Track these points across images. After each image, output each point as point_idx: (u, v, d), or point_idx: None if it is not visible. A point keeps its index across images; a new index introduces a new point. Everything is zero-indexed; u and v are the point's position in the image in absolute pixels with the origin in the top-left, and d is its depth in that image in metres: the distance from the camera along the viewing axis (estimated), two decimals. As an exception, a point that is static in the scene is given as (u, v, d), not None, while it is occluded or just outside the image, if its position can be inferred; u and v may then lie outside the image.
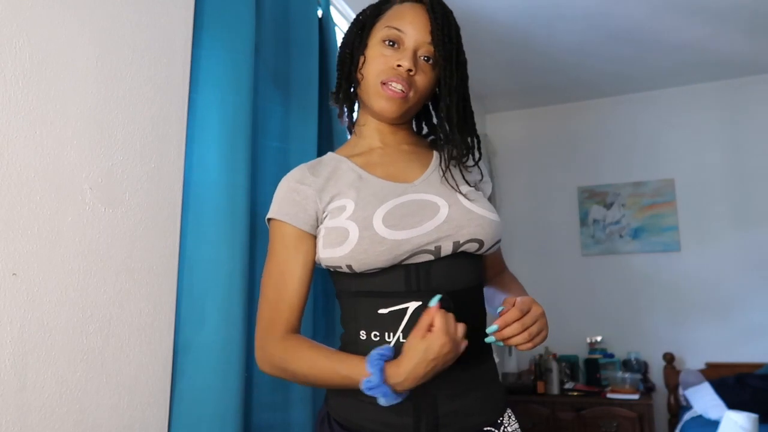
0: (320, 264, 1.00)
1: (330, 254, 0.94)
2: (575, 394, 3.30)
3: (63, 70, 0.96)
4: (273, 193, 1.41)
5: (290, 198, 1.00)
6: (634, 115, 3.85)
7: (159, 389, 1.12)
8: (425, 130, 1.17)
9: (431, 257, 0.93)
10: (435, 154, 1.08)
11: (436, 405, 0.91)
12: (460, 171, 1.04)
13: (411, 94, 1.00)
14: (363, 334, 0.94)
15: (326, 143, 1.66)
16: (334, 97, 1.10)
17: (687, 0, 2.68)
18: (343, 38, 1.10)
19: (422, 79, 1.01)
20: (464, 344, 0.85)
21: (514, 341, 0.87)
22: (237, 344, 1.20)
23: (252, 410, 1.32)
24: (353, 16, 2.06)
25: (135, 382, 1.06)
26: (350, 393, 0.90)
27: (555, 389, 3.34)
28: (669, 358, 3.40)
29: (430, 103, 1.13)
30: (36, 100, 0.91)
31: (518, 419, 1.00)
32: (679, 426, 3.01)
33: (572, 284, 3.84)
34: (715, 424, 2.67)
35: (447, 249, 0.93)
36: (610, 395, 3.21)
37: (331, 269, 0.98)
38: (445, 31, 1.00)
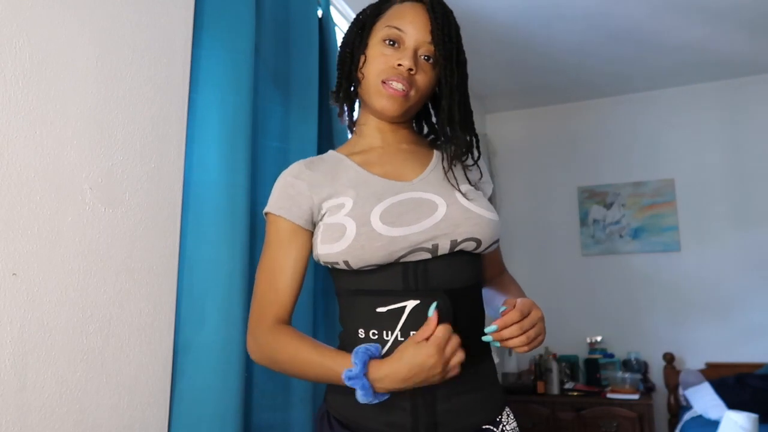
0: (319, 261, 1.00)
1: (327, 250, 0.95)
2: (575, 394, 3.30)
3: (63, 70, 0.96)
4: (273, 193, 1.40)
5: (285, 192, 1.01)
6: (634, 115, 3.85)
7: (159, 389, 1.12)
8: (426, 129, 1.17)
9: (428, 255, 0.93)
10: (435, 153, 1.09)
11: (434, 404, 0.91)
12: (463, 169, 1.05)
13: (412, 93, 1.01)
14: (361, 333, 0.94)
15: (326, 143, 1.66)
16: (335, 96, 1.11)
17: (687, 0, 2.68)
18: (344, 38, 1.10)
19: (423, 78, 1.01)
20: (454, 372, 0.86)
21: (511, 343, 0.88)
22: (237, 344, 1.20)
23: (252, 410, 1.32)
24: (353, 16, 2.06)
25: (135, 382, 1.06)
26: (349, 391, 0.90)
27: (555, 389, 3.34)
28: (669, 358, 3.40)
29: (429, 103, 1.13)
30: (36, 100, 0.91)
31: (517, 418, 1.01)
32: (679, 426, 3.01)
33: (572, 284, 3.84)
34: (715, 424, 2.67)
35: (444, 247, 0.94)
36: (610, 395, 3.21)
37: (330, 266, 0.99)
38: (445, 31, 1.00)
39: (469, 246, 0.95)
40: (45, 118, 0.92)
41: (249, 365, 1.29)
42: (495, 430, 0.96)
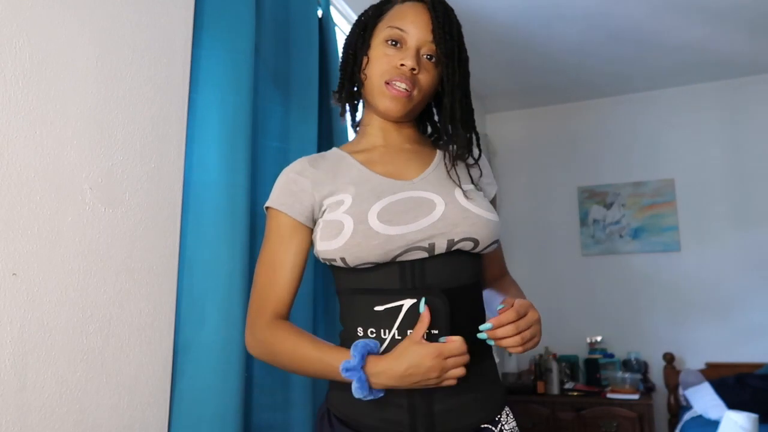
0: (319, 258, 1.00)
1: (326, 246, 0.96)
2: (575, 394, 3.30)
3: (63, 70, 0.96)
4: (273, 193, 1.40)
5: (287, 188, 1.02)
6: (634, 115, 3.85)
7: (159, 389, 1.12)
8: (429, 130, 1.18)
9: (425, 254, 0.94)
10: (438, 152, 1.09)
11: (432, 402, 0.92)
12: (466, 168, 1.05)
13: (415, 92, 1.01)
14: (360, 331, 0.95)
15: (326, 143, 1.66)
16: (337, 96, 1.12)
17: (687, 0, 2.68)
18: (346, 39, 1.11)
19: (425, 78, 1.02)
20: (449, 382, 0.87)
21: (505, 343, 0.88)
22: (237, 344, 1.20)
23: (252, 410, 1.32)
24: (353, 16, 2.07)
25: (135, 382, 1.06)
26: (349, 387, 0.91)
27: (555, 389, 3.34)
28: (669, 358, 3.40)
29: (432, 101, 1.14)
30: (36, 100, 0.91)
31: (517, 418, 1.01)
32: (679, 426, 3.01)
33: (572, 284, 3.84)
34: (715, 424, 2.67)
35: (441, 246, 0.94)
36: (610, 395, 3.21)
37: (328, 263, 0.99)
38: (447, 29, 1.01)
39: (467, 246, 0.95)
40: (45, 118, 0.92)
41: (249, 365, 1.29)
42: (494, 429, 0.96)
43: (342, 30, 2.07)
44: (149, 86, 1.13)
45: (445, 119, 1.04)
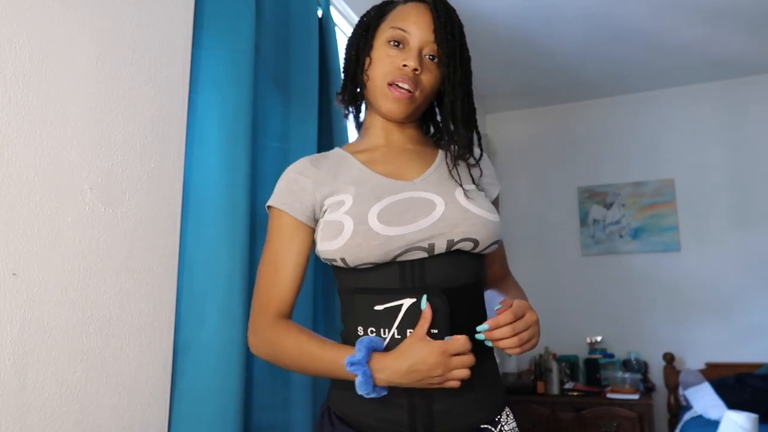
0: (320, 258, 1.01)
1: (326, 247, 0.96)
2: (575, 394, 3.30)
3: (63, 70, 0.96)
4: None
5: (289, 188, 1.03)
6: (634, 115, 3.85)
7: (159, 389, 1.12)
8: (432, 130, 1.18)
9: (425, 254, 0.94)
10: (440, 152, 1.09)
11: (431, 402, 0.92)
12: (467, 168, 1.06)
13: (417, 93, 1.01)
14: (360, 330, 0.95)
15: (326, 143, 1.66)
16: (340, 98, 1.12)
17: (687, 0, 2.68)
18: (348, 40, 1.11)
19: (428, 78, 1.02)
20: (452, 383, 0.88)
21: (502, 344, 0.88)
22: (237, 344, 1.20)
23: (252, 410, 1.32)
24: (353, 16, 2.07)
25: (135, 382, 1.06)
26: (350, 388, 0.92)
27: (555, 389, 3.34)
28: (669, 358, 3.40)
29: (435, 101, 1.14)
30: (36, 100, 0.91)
31: (517, 419, 1.01)
32: (679, 426, 3.01)
33: (572, 284, 3.84)
34: (715, 424, 2.67)
35: (441, 247, 0.94)
36: (610, 395, 3.21)
37: (329, 263, 1.00)
38: (448, 29, 1.01)
39: (467, 246, 0.95)
40: (45, 118, 0.92)
41: (249, 365, 1.29)
42: (493, 430, 0.96)
43: (342, 30, 2.07)
44: (149, 86, 1.13)
45: (446, 119, 1.04)
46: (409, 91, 1.00)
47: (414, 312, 0.91)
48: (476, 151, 1.08)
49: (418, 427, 0.91)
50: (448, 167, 1.03)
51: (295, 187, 1.02)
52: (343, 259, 0.94)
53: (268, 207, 1.05)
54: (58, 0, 0.96)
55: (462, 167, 1.05)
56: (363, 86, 1.07)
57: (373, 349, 0.89)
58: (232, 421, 1.18)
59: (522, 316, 0.89)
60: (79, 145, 0.98)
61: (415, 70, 1.00)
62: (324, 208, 1.00)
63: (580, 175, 3.93)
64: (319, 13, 1.72)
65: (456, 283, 0.95)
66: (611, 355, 3.56)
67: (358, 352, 0.87)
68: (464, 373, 0.87)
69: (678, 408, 3.29)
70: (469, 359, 0.88)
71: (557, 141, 4.03)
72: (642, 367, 3.47)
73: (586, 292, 3.80)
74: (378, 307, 0.94)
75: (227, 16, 1.30)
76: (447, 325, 0.90)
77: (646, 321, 3.65)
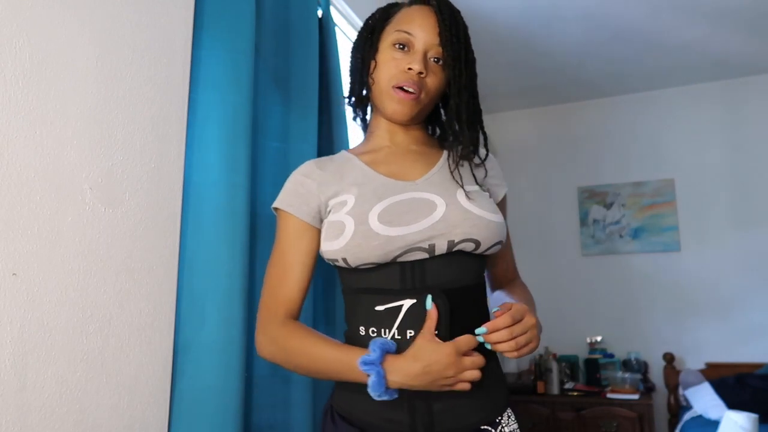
0: (324, 258, 1.02)
1: (328, 247, 0.97)
2: (575, 394, 3.30)
3: (63, 70, 0.96)
4: (273, 193, 1.41)
5: (295, 190, 1.04)
6: (634, 115, 3.85)
7: (159, 389, 1.12)
8: (438, 132, 1.18)
9: (425, 255, 0.94)
10: (444, 154, 1.09)
11: (430, 402, 0.92)
12: (470, 169, 1.06)
13: (422, 95, 1.02)
14: (362, 330, 0.96)
15: (326, 143, 1.66)
16: (348, 101, 1.14)
17: (687, 0, 2.68)
18: (354, 43, 1.12)
19: (433, 81, 1.03)
20: (463, 385, 0.88)
21: (499, 348, 0.88)
22: (237, 344, 1.20)
23: (252, 410, 1.32)
24: (353, 16, 2.07)
25: (135, 382, 1.06)
26: (354, 388, 0.93)
27: (555, 389, 3.34)
28: (669, 358, 3.40)
29: (440, 103, 1.14)
30: (36, 100, 0.91)
31: (518, 420, 1.00)
32: (679, 426, 3.01)
33: (572, 284, 3.84)
34: (715, 424, 2.67)
35: (441, 247, 0.94)
36: (610, 395, 3.21)
37: (332, 263, 1.01)
38: (453, 31, 1.01)
39: (468, 247, 0.95)
40: (45, 118, 0.92)
41: (249, 365, 1.29)
42: (493, 431, 0.96)
43: (342, 30, 2.07)
44: (149, 86, 1.13)
45: (451, 120, 1.05)
46: (414, 94, 1.00)
47: (414, 313, 0.92)
48: (482, 151, 1.09)
49: (418, 426, 0.91)
50: (450, 168, 1.03)
51: (301, 189, 1.03)
52: (344, 259, 0.95)
53: (275, 209, 1.06)
54: (58, 0, 0.96)
55: (466, 168, 1.05)
56: (369, 89, 1.08)
57: (386, 351, 0.89)
58: (232, 421, 1.18)
59: (520, 320, 0.89)
60: (79, 145, 0.98)
61: (420, 73, 1.00)
62: (328, 209, 1.01)
63: (580, 175, 3.93)
64: (319, 13, 1.71)
65: (457, 284, 0.95)
66: (611, 355, 3.56)
67: (372, 352, 0.87)
68: (475, 374, 0.88)
69: (678, 408, 3.29)
70: (480, 360, 0.88)
71: (557, 141, 4.03)
72: (642, 367, 3.47)
73: (586, 292, 3.80)
74: (379, 308, 0.94)
75: (227, 16, 1.30)
76: (447, 325, 0.90)
77: (646, 321, 3.65)
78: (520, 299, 1.04)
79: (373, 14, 1.11)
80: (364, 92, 1.10)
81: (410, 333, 0.92)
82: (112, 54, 1.05)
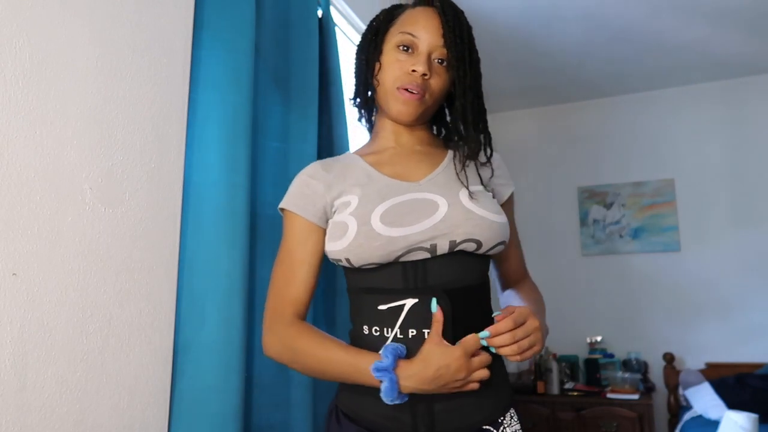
0: (329, 258, 1.03)
1: (332, 247, 0.98)
2: (575, 394, 3.30)
3: (63, 70, 0.96)
4: (273, 193, 1.41)
5: (301, 191, 1.05)
6: (634, 115, 3.85)
7: (159, 389, 1.12)
8: (444, 132, 1.18)
9: (427, 255, 0.94)
10: (448, 154, 1.10)
11: (432, 402, 0.92)
12: (476, 169, 1.06)
13: (426, 96, 1.03)
14: (366, 329, 0.97)
15: (326, 143, 1.66)
16: (353, 103, 1.14)
17: (687, 0, 2.68)
18: (358, 45, 1.13)
19: (437, 82, 1.03)
20: (473, 386, 0.89)
21: (503, 351, 0.89)
22: (237, 344, 1.20)
23: (252, 410, 1.32)
24: (353, 16, 2.07)
25: (135, 382, 1.06)
26: (358, 389, 0.94)
27: (555, 389, 3.34)
28: (669, 358, 3.40)
29: (445, 103, 1.14)
30: (36, 100, 0.91)
31: (521, 421, 1.00)
32: (679, 426, 3.01)
33: (572, 284, 3.84)
34: (715, 424, 2.67)
35: (443, 247, 0.94)
36: (610, 395, 3.21)
37: (336, 263, 1.01)
38: (457, 32, 1.02)
39: (470, 247, 0.96)
40: (45, 118, 0.92)
41: (249, 365, 1.29)
42: (494, 431, 0.96)
43: (342, 30, 2.07)
44: (149, 86, 1.13)
45: (456, 120, 1.05)
46: (419, 95, 1.01)
47: (416, 312, 0.92)
48: (487, 151, 1.09)
49: (420, 425, 0.92)
50: (456, 169, 1.04)
51: (307, 190, 1.04)
52: (347, 260, 0.96)
53: (281, 209, 1.07)
54: (58, 0, 0.96)
55: (471, 168, 1.06)
56: (374, 90, 1.08)
57: (398, 356, 0.89)
58: (232, 421, 1.18)
59: (523, 323, 0.89)
60: (79, 145, 0.98)
61: (424, 75, 1.01)
62: (333, 209, 1.02)
63: (580, 175, 3.93)
64: (319, 13, 1.71)
65: (459, 284, 0.96)
66: (611, 355, 3.56)
67: (384, 358, 0.88)
68: (484, 373, 0.89)
69: (678, 408, 3.29)
70: (487, 358, 0.89)
71: (557, 141, 4.03)
72: (642, 367, 3.47)
73: (586, 292, 3.80)
74: (381, 307, 0.95)
75: (227, 16, 1.30)
76: (449, 325, 0.91)
77: (646, 321, 3.65)
78: (528, 301, 1.04)
79: (377, 16, 1.12)
80: (369, 94, 1.11)
81: (412, 332, 0.92)
82: (112, 54, 1.05)
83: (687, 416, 3.02)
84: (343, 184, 1.03)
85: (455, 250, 0.95)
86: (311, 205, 1.03)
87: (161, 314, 1.13)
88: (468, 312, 0.94)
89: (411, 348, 0.91)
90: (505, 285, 1.17)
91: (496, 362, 1.00)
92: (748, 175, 3.55)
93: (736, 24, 2.91)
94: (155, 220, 1.13)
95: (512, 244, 1.14)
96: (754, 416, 2.41)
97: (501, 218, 0.99)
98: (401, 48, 1.03)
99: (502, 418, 0.97)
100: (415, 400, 0.92)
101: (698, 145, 3.67)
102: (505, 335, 0.88)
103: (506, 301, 1.09)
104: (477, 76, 1.06)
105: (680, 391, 3.30)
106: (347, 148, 1.68)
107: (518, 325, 0.89)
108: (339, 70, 1.71)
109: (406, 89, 1.01)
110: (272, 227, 1.40)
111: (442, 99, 1.08)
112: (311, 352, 0.96)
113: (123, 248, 1.05)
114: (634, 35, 3.02)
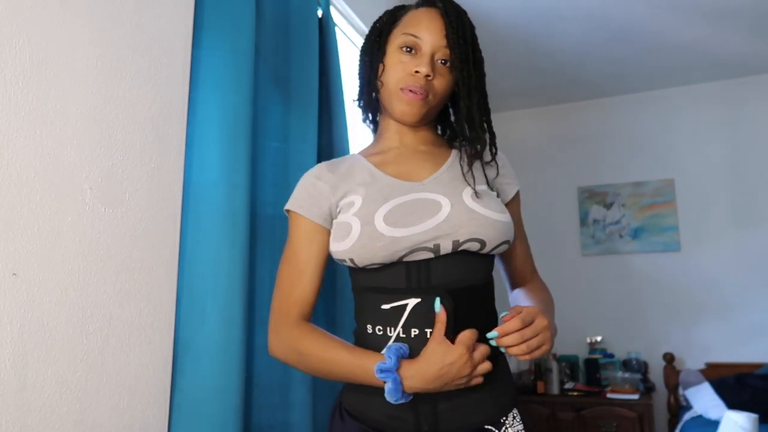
0: (334, 258, 1.03)
1: (336, 247, 0.99)
2: (575, 394, 3.30)
3: (63, 70, 0.96)
4: (273, 193, 1.41)
5: (306, 192, 1.05)
6: (634, 115, 3.85)
7: (159, 389, 1.12)
8: (447, 132, 1.19)
9: (431, 255, 0.94)
10: (452, 153, 1.10)
11: (435, 401, 0.93)
12: (482, 169, 1.06)
13: (430, 97, 1.03)
14: (369, 328, 0.97)
15: (326, 143, 1.66)
16: (357, 104, 1.15)
17: (687, 0, 2.68)
18: (362, 46, 1.13)
19: (440, 82, 1.03)
20: (477, 380, 0.90)
21: (511, 351, 0.89)
22: (237, 344, 1.20)
23: (252, 410, 1.32)
24: (353, 16, 2.07)
25: (135, 382, 1.06)
26: (363, 388, 0.94)
27: (555, 389, 3.34)
28: (669, 358, 3.40)
29: (449, 102, 1.14)
30: (36, 100, 0.91)
31: (524, 421, 1.00)
32: (679, 426, 3.01)
33: (572, 284, 3.84)
34: (715, 424, 2.67)
35: (446, 247, 0.94)
36: (610, 395, 3.21)
37: (341, 263, 1.02)
38: (460, 33, 1.02)
39: (473, 246, 0.96)
40: (45, 118, 0.92)
41: (249, 365, 1.29)
42: (496, 431, 0.96)
43: (342, 30, 2.07)
44: (149, 86, 1.13)
45: (460, 121, 1.06)
46: (422, 95, 1.01)
47: (419, 312, 0.93)
48: (492, 150, 1.09)
49: (423, 424, 0.93)
50: (462, 168, 1.04)
51: (313, 191, 1.04)
52: (351, 260, 0.97)
53: (287, 211, 1.07)
54: (58, 0, 0.96)
55: (476, 168, 1.06)
56: (377, 91, 1.08)
57: (401, 357, 0.89)
58: (232, 421, 1.18)
59: (531, 323, 0.89)
60: (79, 145, 0.98)
61: (428, 76, 1.01)
62: (338, 210, 1.02)
63: (580, 175, 3.93)
64: (319, 13, 1.71)
65: (463, 284, 0.96)
66: (611, 355, 3.56)
67: (388, 359, 0.88)
68: (487, 365, 0.89)
69: (678, 408, 3.29)
70: (486, 349, 0.90)
71: (557, 141, 4.02)
72: (642, 367, 3.47)
73: (586, 292, 3.80)
74: (385, 306, 0.95)
75: (227, 16, 1.30)
76: (451, 325, 0.91)
77: (646, 321, 3.65)
78: (537, 300, 1.05)
79: (380, 17, 1.12)
80: (373, 95, 1.11)
81: (414, 331, 0.93)
82: (112, 54, 1.05)
83: (687, 416, 3.02)
84: (348, 185, 1.03)
85: (459, 249, 0.95)
86: (316, 206, 1.03)
87: (161, 314, 1.13)
88: (471, 312, 0.94)
89: (414, 347, 0.91)
90: (514, 284, 1.17)
91: (501, 362, 1.00)
92: (748, 175, 3.55)
93: (736, 24, 2.91)
94: (155, 220, 1.13)
95: (519, 242, 1.14)
96: (754, 416, 2.41)
97: (504, 217, 0.99)
98: (404, 49, 1.03)
99: (504, 418, 0.98)
100: (419, 399, 0.92)
101: (698, 145, 3.67)
102: (513, 335, 0.87)
103: (515, 300, 1.09)
104: (481, 76, 1.06)
105: (680, 391, 3.30)
106: (347, 148, 1.68)
107: (526, 325, 0.88)
108: (339, 71, 1.71)
109: (410, 90, 1.01)
110: (272, 227, 1.40)
111: (445, 99, 1.08)
112: (316, 354, 0.96)
113: (123, 248, 1.05)
114: (634, 35, 3.02)
